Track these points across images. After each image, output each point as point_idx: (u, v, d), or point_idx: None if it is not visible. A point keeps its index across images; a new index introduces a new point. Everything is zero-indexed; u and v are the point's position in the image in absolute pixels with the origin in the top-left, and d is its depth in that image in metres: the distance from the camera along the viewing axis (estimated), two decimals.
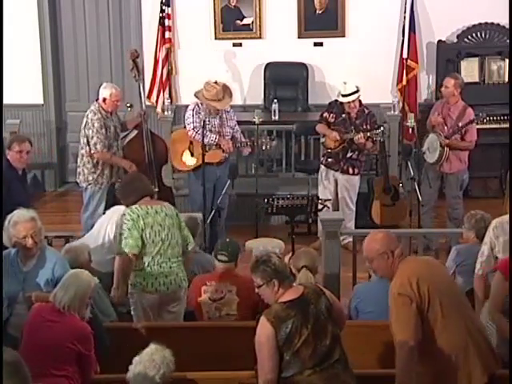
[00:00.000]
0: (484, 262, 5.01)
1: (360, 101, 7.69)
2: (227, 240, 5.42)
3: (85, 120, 7.29)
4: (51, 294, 4.38)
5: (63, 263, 4.88)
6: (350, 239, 7.20)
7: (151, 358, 3.81)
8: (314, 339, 3.95)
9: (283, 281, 4.02)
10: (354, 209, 7.91)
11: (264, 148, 7.77)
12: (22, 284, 4.74)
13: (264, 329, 3.92)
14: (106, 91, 7.26)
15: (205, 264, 5.80)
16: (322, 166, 7.93)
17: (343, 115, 7.69)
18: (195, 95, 7.52)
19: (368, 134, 7.59)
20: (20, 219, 4.81)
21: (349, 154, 7.73)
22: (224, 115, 7.54)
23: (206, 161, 7.37)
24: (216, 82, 7.40)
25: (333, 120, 7.73)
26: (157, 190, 7.61)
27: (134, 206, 5.28)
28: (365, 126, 7.65)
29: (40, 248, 4.88)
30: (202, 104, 7.46)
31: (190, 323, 5.19)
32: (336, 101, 7.89)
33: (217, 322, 5.08)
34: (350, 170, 7.78)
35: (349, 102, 7.58)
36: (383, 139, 7.74)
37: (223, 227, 7.77)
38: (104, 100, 7.23)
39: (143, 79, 9.38)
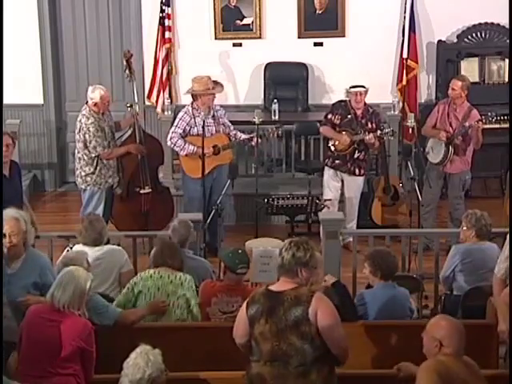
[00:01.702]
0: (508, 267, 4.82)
1: (364, 101, 7.71)
2: (239, 251, 5.24)
3: (78, 125, 7.37)
4: (48, 294, 4.37)
5: (50, 267, 4.88)
6: (351, 239, 7.20)
7: (135, 362, 3.82)
8: (272, 337, 4.00)
9: (280, 273, 4.11)
10: (357, 208, 7.91)
11: (272, 136, 7.88)
12: (7, 286, 4.71)
13: (242, 307, 4.16)
14: (95, 95, 7.31)
15: (200, 270, 5.75)
16: (328, 168, 7.87)
17: (349, 116, 7.67)
18: (188, 92, 7.66)
19: (378, 134, 7.60)
20: (5, 217, 4.79)
21: (356, 155, 7.71)
22: (215, 113, 7.61)
23: (218, 163, 7.57)
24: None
25: (338, 121, 7.69)
26: (150, 190, 7.66)
27: (141, 273, 5.31)
28: (370, 125, 7.66)
29: (25, 251, 4.85)
30: (193, 108, 7.52)
31: (190, 323, 5.18)
32: (340, 102, 7.87)
33: (217, 322, 5.07)
34: (357, 171, 7.78)
35: (356, 94, 7.57)
36: (393, 138, 7.75)
37: (223, 227, 7.76)
38: (95, 104, 7.28)
39: (143, 79, 9.45)
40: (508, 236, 4.90)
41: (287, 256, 4.04)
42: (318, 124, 8.03)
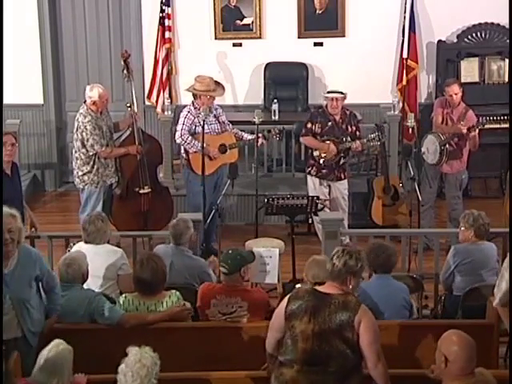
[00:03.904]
0: (503, 296, 4.61)
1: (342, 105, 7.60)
2: (229, 251, 5.25)
3: (76, 124, 7.40)
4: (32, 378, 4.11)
5: (42, 258, 4.88)
6: (348, 240, 7.18)
7: (142, 364, 3.77)
8: (313, 338, 3.98)
9: (328, 278, 4.15)
10: (347, 209, 7.86)
11: (275, 138, 7.87)
12: (8, 286, 4.68)
13: (282, 301, 4.15)
14: (94, 93, 7.31)
15: (195, 269, 5.74)
16: (312, 177, 7.74)
17: (329, 123, 7.54)
18: (188, 90, 7.70)
19: (365, 141, 7.54)
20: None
21: (341, 161, 7.64)
22: (214, 112, 7.62)
23: (225, 162, 7.65)
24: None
25: (319, 130, 7.56)
26: (149, 190, 7.67)
27: (128, 296, 5.15)
28: (350, 129, 7.57)
29: (18, 249, 4.82)
30: (195, 107, 7.55)
31: (189, 323, 5.18)
32: (317, 109, 7.82)
33: (217, 322, 5.06)
34: (342, 176, 7.73)
35: (332, 100, 7.46)
36: (381, 142, 7.68)
37: (217, 228, 7.72)
38: (94, 102, 7.28)
39: (143, 79, 9.45)
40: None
41: (339, 263, 4.07)
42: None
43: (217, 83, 7.71)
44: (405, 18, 9.15)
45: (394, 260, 5.31)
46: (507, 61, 9.10)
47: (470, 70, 9.19)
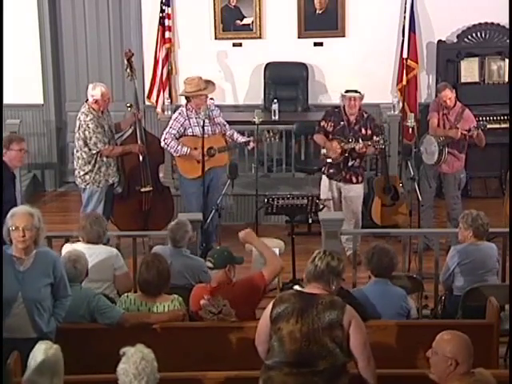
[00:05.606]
0: None
1: (360, 106, 7.53)
2: (217, 247, 5.28)
3: (78, 123, 7.40)
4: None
5: (60, 264, 4.85)
6: (351, 251, 7.04)
7: (146, 361, 3.76)
8: (302, 338, 3.97)
9: (310, 280, 4.13)
10: (360, 217, 7.76)
11: (268, 141, 7.82)
12: (21, 284, 4.68)
13: (268, 306, 4.14)
14: (96, 92, 7.32)
15: (194, 269, 5.74)
16: (324, 176, 7.72)
17: (342, 122, 7.48)
18: (181, 94, 7.83)
19: (369, 143, 7.46)
20: (17, 211, 4.76)
21: (350, 163, 7.52)
22: (210, 113, 7.55)
23: (213, 165, 7.56)
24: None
25: (331, 129, 7.51)
26: (151, 188, 7.68)
27: (130, 295, 5.16)
28: (365, 131, 7.47)
29: (36, 248, 4.81)
30: (187, 109, 7.56)
31: (189, 323, 5.18)
32: (334, 108, 7.77)
33: (217, 322, 5.06)
34: (354, 179, 7.58)
35: (350, 99, 7.40)
36: (385, 145, 7.62)
37: (217, 228, 7.73)
38: (96, 101, 7.29)
39: (143, 79, 9.45)
40: None
41: (321, 264, 4.08)
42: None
43: (206, 81, 7.67)
44: (405, 17, 9.15)
45: (396, 262, 5.31)
46: (507, 61, 9.10)
47: (470, 70, 9.19)
